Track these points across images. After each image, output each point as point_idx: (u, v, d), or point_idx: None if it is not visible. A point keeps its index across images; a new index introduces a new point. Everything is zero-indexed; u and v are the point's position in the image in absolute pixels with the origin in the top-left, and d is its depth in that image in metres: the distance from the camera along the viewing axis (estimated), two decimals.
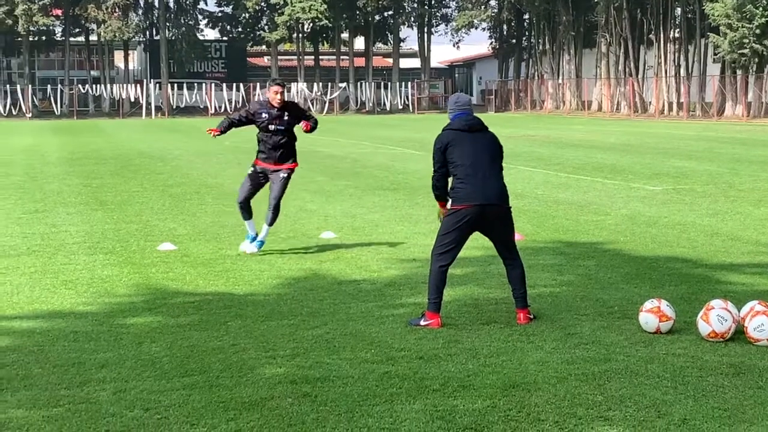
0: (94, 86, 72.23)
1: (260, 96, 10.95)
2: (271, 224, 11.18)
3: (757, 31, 50.24)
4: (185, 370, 6.51)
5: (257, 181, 11.20)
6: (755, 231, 12.60)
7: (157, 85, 72.92)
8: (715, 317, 7.10)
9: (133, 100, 71.40)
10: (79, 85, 72.21)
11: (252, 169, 11.20)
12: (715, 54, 57.43)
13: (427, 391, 5.98)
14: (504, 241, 7.87)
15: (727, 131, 41.24)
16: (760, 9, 49.69)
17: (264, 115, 10.94)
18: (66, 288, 9.37)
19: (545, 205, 15.59)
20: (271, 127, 10.95)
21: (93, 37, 75.16)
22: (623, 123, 52.35)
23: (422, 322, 7.66)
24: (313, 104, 74.89)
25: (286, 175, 11.08)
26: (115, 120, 65.54)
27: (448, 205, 7.78)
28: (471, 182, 7.62)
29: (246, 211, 11.17)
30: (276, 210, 11.09)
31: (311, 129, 11.19)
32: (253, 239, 11.19)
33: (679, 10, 62.74)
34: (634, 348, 6.95)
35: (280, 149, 11.02)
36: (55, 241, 12.29)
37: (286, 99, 11.05)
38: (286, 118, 10.97)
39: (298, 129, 11.27)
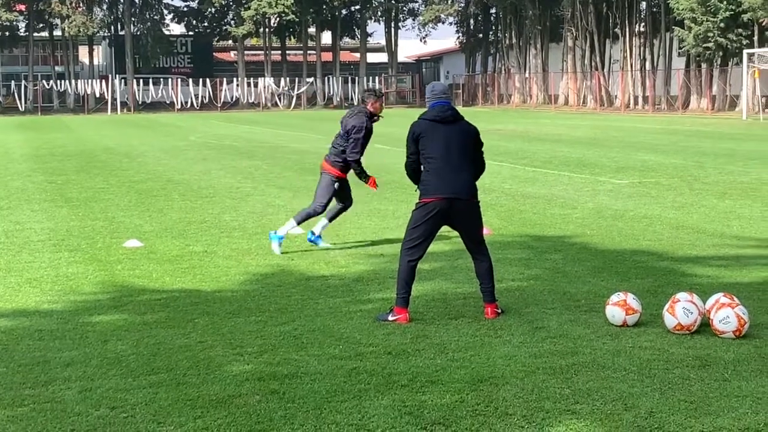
0: (58, 82, 71.53)
1: (357, 112, 11.14)
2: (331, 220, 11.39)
3: (722, 25, 50.68)
4: (152, 368, 6.46)
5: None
6: (720, 224, 12.71)
7: (123, 80, 72.41)
8: (681, 310, 7.15)
9: (98, 95, 70.84)
10: (44, 81, 71.56)
11: (337, 181, 11.17)
12: (680, 48, 57.89)
13: (396, 387, 5.97)
14: (472, 235, 7.89)
15: (692, 124, 41.60)
16: (724, 3, 50.12)
17: (371, 125, 11.16)
18: (30, 286, 9.27)
19: (513, 200, 15.64)
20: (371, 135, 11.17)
21: (57, 33, 74.51)
22: (590, 117, 52.63)
23: (390, 317, 7.66)
24: (280, 99, 74.72)
25: None
26: (80, 116, 64.99)
27: (417, 198, 7.81)
28: (440, 175, 7.67)
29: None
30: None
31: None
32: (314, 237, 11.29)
33: (644, 4, 63.23)
34: (600, 341, 6.98)
35: None
36: (20, 239, 12.16)
37: None
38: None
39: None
